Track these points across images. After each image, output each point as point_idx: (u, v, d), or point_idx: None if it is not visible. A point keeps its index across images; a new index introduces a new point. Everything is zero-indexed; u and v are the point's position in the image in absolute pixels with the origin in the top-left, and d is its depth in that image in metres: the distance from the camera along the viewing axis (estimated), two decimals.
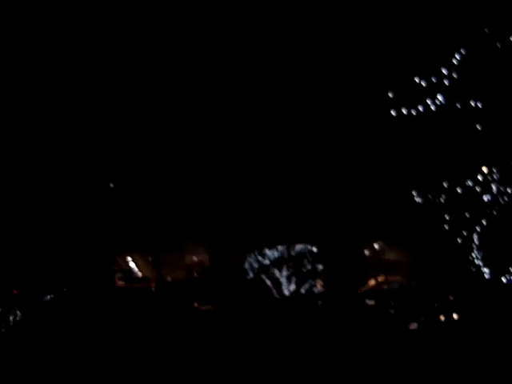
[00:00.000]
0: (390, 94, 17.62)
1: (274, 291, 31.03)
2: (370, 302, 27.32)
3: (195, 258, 33.71)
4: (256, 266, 31.63)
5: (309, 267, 30.89)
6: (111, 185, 26.09)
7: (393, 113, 17.44)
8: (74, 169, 22.53)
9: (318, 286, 30.71)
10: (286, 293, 30.90)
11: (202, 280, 31.20)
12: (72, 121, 22.46)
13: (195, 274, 33.08)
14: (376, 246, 32.41)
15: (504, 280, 17.51)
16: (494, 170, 17.64)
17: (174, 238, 29.40)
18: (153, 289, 32.52)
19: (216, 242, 25.49)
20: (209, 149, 24.64)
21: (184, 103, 23.16)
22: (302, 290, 30.57)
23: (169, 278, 34.33)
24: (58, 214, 25.20)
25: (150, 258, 32.57)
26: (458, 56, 16.77)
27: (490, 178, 17.81)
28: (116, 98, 22.62)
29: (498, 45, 16.14)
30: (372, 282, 30.81)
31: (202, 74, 22.15)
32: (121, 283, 32.85)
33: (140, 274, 33.91)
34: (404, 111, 17.29)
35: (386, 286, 29.69)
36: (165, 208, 27.30)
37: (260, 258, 31.67)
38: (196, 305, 31.41)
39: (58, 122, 22.81)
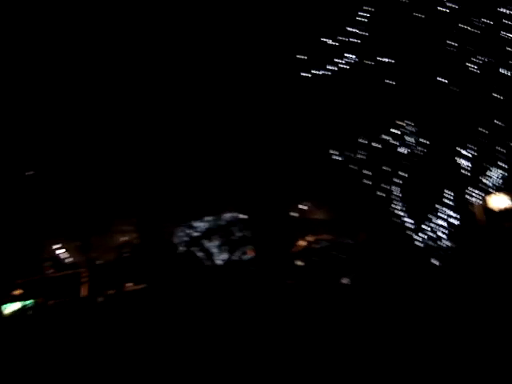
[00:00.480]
0: (302, 56, 17.71)
1: (207, 261, 31.19)
2: (301, 263, 27.82)
3: (124, 238, 33.34)
4: (186, 239, 31.64)
5: (238, 235, 31.13)
6: (30, 172, 25.40)
7: (305, 74, 17.57)
8: None
9: (250, 253, 31.01)
10: (219, 262, 31.11)
11: (133, 259, 30.96)
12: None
13: (125, 254, 32.75)
14: (303, 206, 32.88)
15: (424, 227, 18.13)
16: (409, 123, 18.11)
17: (100, 220, 28.94)
18: (84, 274, 32.08)
19: (143, 219, 25.20)
20: (132, 124, 24.22)
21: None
22: (235, 258, 30.85)
23: (99, 261, 33.88)
24: None
25: (79, 242, 31.99)
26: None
27: (405, 131, 18.28)
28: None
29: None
30: (302, 243, 31.32)
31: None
32: (51, 271, 32.29)
33: (70, 259, 33.29)
34: (317, 71, 17.46)
35: (315, 245, 30.23)
36: (89, 190, 26.79)
37: (189, 230, 31.68)
38: (130, 284, 31.17)
39: None
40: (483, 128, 17.08)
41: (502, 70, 16.42)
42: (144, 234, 24.76)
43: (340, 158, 19.45)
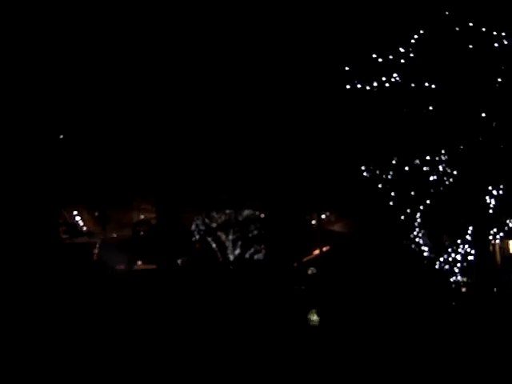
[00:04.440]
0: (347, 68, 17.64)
1: (219, 254, 31.27)
2: (312, 270, 27.76)
3: (142, 216, 33.54)
4: (202, 228, 31.75)
5: (255, 233, 31.16)
6: (61, 136, 25.57)
7: (348, 86, 17.50)
8: (17, 119, 21.95)
9: (264, 252, 31.03)
10: (231, 257, 31.18)
11: (147, 238, 31.09)
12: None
13: (141, 232, 32.94)
14: (323, 216, 32.84)
15: (441, 259, 17.99)
16: (442, 151, 17.96)
17: (121, 194, 29.07)
18: (97, 245, 32.28)
19: (164, 200, 25.27)
20: (162, 106, 24.30)
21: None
22: (247, 255, 30.90)
23: (114, 235, 34.11)
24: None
25: (96, 213, 32.25)
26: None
27: (437, 159, 18.13)
28: None
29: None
30: (316, 252, 31.24)
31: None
32: (65, 236, 32.53)
33: (85, 228, 33.56)
34: (358, 86, 17.36)
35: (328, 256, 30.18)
36: (114, 163, 26.92)
37: (207, 220, 31.79)
38: (140, 263, 31.35)
39: None
40: None
41: None
42: (162, 215, 24.80)
43: (369, 175, 19.36)
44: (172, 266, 23.74)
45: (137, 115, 23.46)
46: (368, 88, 17.22)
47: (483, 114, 16.38)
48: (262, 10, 20.24)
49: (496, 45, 16.18)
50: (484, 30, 16.39)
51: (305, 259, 29.59)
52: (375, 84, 17.13)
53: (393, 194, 18.36)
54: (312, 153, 23.87)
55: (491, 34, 16.39)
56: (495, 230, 18.03)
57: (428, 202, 18.15)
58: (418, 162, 18.50)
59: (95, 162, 25.34)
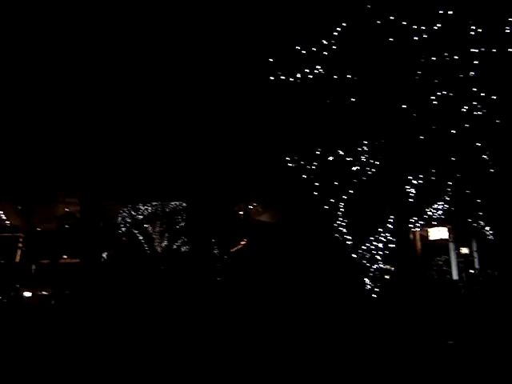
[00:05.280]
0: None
1: (146, 246, 31.02)
2: (238, 261, 27.88)
3: (67, 209, 32.87)
4: (129, 220, 31.40)
5: (182, 224, 31.02)
6: None
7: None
8: None
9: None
10: (158, 249, 30.98)
11: (72, 232, 30.51)
12: None
13: (66, 226, 32.29)
14: (251, 207, 32.99)
15: (364, 247, 18.36)
16: (365, 142, 18.31)
17: (45, 187, 28.37)
18: (21, 239, 31.46)
19: (88, 193, 24.77)
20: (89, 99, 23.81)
21: None
22: (174, 247, 30.76)
23: (38, 228, 33.33)
24: None
25: (20, 207, 31.41)
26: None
27: (359, 149, 18.48)
28: None
29: None
30: (243, 243, 31.38)
31: None
32: None
33: (8, 222, 32.64)
34: (282, 77, 17.46)
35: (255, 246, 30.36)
36: (37, 155, 26.24)
37: (133, 212, 31.46)
38: (65, 257, 30.73)
39: None
40: (437, 159, 17.38)
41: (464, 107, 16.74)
42: (86, 207, 24.34)
43: (293, 165, 19.54)
44: (96, 259, 23.30)
45: (62, 108, 22.90)
46: (292, 79, 17.35)
47: (404, 106, 16.76)
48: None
49: (415, 38, 16.57)
50: (404, 23, 16.75)
51: (232, 250, 29.70)
52: (299, 75, 17.27)
53: (317, 184, 18.60)
54: (238, 143, 23.91)
55: (411, 27, 16.77)
56: (415, 218, 18.57)
57: (351, 191, 18.49)
58: (341, 152, 18.83)
59: (18, 155, 24.66)
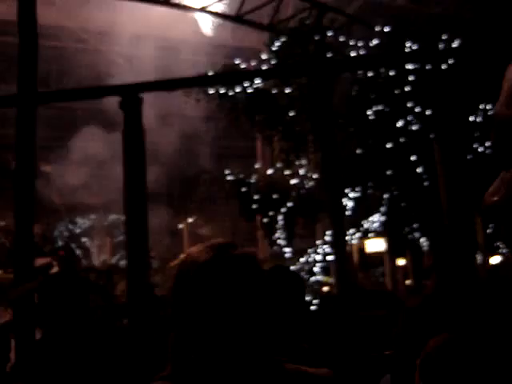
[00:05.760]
0: None
1: (84, 261, 30.46)
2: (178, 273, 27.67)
3: (3, 223, 32.01)
4: (66, 233, 30.82)
5: (121, 238, 30.57)
6: None
7: None
8: None
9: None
10: (96, 263, 30.45)
11: (5, 246, 29.68)
12: None
13: (2, 240, 31.40)
14: (190, 220, 32.91)
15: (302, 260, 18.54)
16: (302, 156, 18.60)
17: None
18: None
19: (22, 206, 24.10)
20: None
21: None
22: (113, 261, 30.27)
23: None
24: None
25: None
26: None
27: (297, 163, 18.75)
28: None
29: None
30: (182, 256, 31.19)
31: None
32: None
33: None
34: (221, 91, 17.55)
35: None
36: None
37: (71, 226, 30.90)
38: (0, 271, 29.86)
39: None
40: (373, 172, 17.72)
41: None
42: (21, 222, 23.63)
43: (233, 178, 19.67)
44: (30, 273, 22.67)
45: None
46: (231, 94, 17.47)
47: (340, 120, 17.07)
48: None
49: (353, 54, 16.93)
50: (342, 39, 17.11)
51: (172, 264, 29.47)
52: (238, 90, 17.40)
53: (256, 196, 18.76)
54: (182, 155, 23.90)
55: (347, 42, 17.13)
56: (352, 230, 18.88)
57: (289, 204, 18.69)
58: (279, 165, 19.06)
59: None
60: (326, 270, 19.07)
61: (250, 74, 17.30)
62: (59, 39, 26.53)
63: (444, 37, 15.67)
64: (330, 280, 20.61)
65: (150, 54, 23.16)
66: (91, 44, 25.58)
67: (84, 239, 30.98)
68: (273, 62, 17.25)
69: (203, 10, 17.27)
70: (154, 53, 23.31)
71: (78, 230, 31.02)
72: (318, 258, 18.25)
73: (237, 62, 17.45)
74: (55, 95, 15.49)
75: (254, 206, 18.84)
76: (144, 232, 15.09)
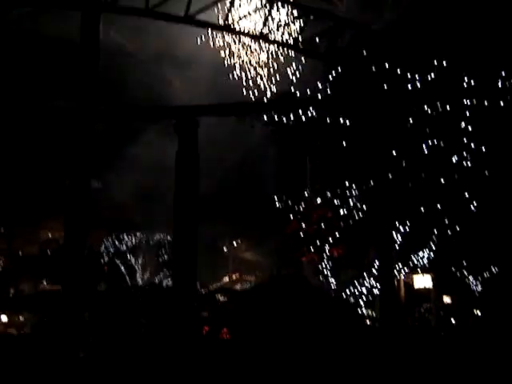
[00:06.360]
0: None
1: (127, 278, 30.61)
2: (221, 298, 27.53)
3: (50, 235, 32.46)
4: (112, 249, 31.05)
5: (165, 257, 30.73)
6: None
7: None
8: None
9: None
10: (139, 281, 30.58)
11: (55, 258, 30.04)
12: None
13: (48, 252, 31.84)
14: (235, 243, 32.86)
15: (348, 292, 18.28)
16: (353, 186, 18.43)
17: (30, 211, 28.02)
18: (1, 262, 31.00)
19: (72, 219, 24.47)
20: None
21: None
22: (156, 280, 30.41)
23: (20, 253, 32.84)
24: None
25: (2, 229, 30.98)
26: None
27: (347, 193, 18.57)
28: None
29: None
30: (226, 279, 31.12)
31: None
32: None
33: None
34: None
35: (239, 285, 30.08)
36: (21, 178, 25.95)
37: (117, 242, 31.12)
38: (46, 284, 30.19)
39: None
40: (424, 207, 17.42)
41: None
42: (70, 234, 23.98)
43: (281, 205, 19.58)
44: (78, 287, 22.87)
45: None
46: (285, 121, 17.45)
47: (394, 153, 16.84)
48: None
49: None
50: (399, 72, 16.95)
51: (214, 286, 29.43)
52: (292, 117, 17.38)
53: (303, 225, 18.62)
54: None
55: (405, 75, 16.94)
56: (400, 265, 18.53)
57: (337, 235, 18.48)
58: (329, 194, 18.87)
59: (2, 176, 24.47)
60: (370, 304, 18.74)
61: (305, 102, 17.23)
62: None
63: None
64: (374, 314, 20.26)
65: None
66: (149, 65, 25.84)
67: (129, 256, 31.19)
68: (328, 90, 17.16)
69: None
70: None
71: (123, 247, 31.26)
72: (364, 290, 17.97)
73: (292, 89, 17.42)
74: (112, 112, 15.58)
75: (301, 235, 18.71)
76: (192, 253, 15.17)
